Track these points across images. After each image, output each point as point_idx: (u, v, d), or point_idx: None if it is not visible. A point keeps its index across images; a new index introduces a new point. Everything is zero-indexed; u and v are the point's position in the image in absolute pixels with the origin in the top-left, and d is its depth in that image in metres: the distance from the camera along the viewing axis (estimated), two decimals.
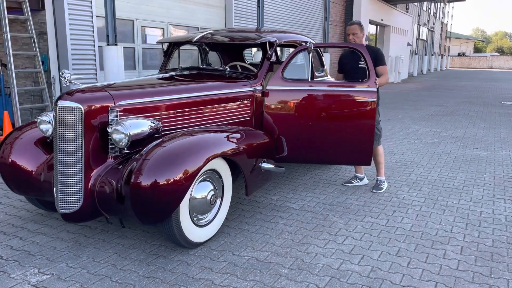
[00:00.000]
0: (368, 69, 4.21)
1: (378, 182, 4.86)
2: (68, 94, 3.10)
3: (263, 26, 10.88)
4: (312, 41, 4.20)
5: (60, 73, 3.18)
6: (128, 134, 3.05)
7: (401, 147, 7.07)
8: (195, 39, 4.48)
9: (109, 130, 3.08)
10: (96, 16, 7.26)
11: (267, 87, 4.29)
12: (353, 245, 3.39)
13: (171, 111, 3.51)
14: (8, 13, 7.02)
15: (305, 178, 5.17)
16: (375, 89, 4.20)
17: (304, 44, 4.81)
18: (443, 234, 3.61)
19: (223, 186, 3.48)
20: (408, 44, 28.57)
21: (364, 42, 4.70)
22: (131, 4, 8.10)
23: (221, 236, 3.50)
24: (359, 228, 3.72)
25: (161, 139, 3.11)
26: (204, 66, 4.79)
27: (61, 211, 3.10)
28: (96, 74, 7.31)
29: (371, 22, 20.32)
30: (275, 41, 4.38)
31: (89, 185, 3.08)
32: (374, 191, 4.78)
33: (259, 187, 3.84)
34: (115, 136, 3.08)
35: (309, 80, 4.27)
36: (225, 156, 3.31)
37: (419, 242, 3.45)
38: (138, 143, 3.20)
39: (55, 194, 3.12)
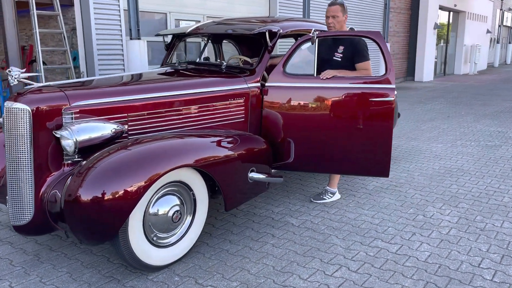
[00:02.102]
0: (386, 61, 3.50)
1: (323, 191, 4.15)
2: (19, 94, 2.79)
3: (309, 16, 10.17)
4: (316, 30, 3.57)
5: (8, 71, 2.88)
6: (74, 140, 2.68)
7: (452, 150, 6.13)
8: (188, 30, 4.03)
9: (55, 135, 2.73)
10: (124, 10, 7.08)
11: (267, 84, 3.74)
12: (344, 279, 2.76)
13: (140, 113, 3.09)
14: (41, 10, 7.07)
15: (322, 187, 4.54)
16: (394, 86, 3.48)
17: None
18: (467, 269, 2.86)
19: (195, 200, 3.01)
20: (488, 31, 26.02)
21: (347, 28, 3.95)
22: None
23: (193, 257, 3.04)
24: (361, 255, 3.08)
25: (110, 147, 2.70)
26: (200, 61, 4.32)
27: (12, 223, 2.81)
28: (124, 69, 7.15)
29: (442, 8, 18.62)
30: (278, 30, 3.80)
31: (40, 195, 2.76)
32: (313, 199, 4.10)
33: (244, 200, 3.32)
34: (63, 142, 2.73)
35: (315, 75, 3.64)
36: (194, 167, 2.84)
37: (431, 280, 2.74)
38: (99, 148, 2.81)
39: (7, 204, 2.85)
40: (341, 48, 3.75)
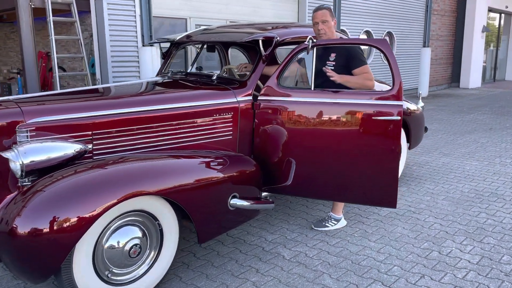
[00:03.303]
0: (393, 74, 3.01)
1: (327, 217, 3.69)
2: None
3: (340, 20, 9.65)
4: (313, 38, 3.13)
5: None
6: (20, 162, 2.40)
7: (488, 169, 5.46)
8: (177, 38, 3.71)
9: (3, 155, 2.47)
10: (140, 16, 6.90)
11: (259, 98, 3.34)
12: None
13: (107, 130, 2.79)
14: (59, 16, 7.02)
15: (328, 211, 4.07)
16: (401, 103, 2.99)
17: None
18: None
19: (161, 231, 2.66)
20: None
21: (337, 35, 3.45)
22: (184, 1, 7.61)
23: None
24: None
25: (58, 171, 2.41)
26: (191, 71, 3.98)
27: None
28: (139, 76, 6.97)
29: (491, 10, 17.41)
30: (275, 38, 3.40)
31: None
32: (314, 226, 3.63)
33: (223, 231, 2.94)
34: (10, 165, 2.46)
35: (312, 88, 3.21)
36: (159, 194, 2.50)
37: None
38: (58, 168, 2.53)
39: None
40: (332, 56, 3.29)
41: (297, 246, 3.36)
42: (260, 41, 3.32)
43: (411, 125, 4.75)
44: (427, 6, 12.55)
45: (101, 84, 7.06)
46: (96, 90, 3.29)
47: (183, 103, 3.04)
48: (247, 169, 3.08)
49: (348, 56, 3.24)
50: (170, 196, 2.53)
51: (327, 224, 3.66)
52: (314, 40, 3.17)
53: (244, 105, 3.31)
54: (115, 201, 2.30)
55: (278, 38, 3.41)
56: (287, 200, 4.32)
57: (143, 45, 6.24)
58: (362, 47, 3.39)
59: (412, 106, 4.96)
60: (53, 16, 6.64)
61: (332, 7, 3.28)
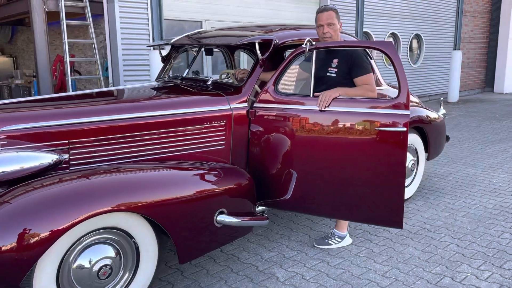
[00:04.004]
0: (399, 80, 2.71)
1: (330, 234, 3.39)
2: None
3: (363, 22, 9.27)
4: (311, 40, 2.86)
5: None
6: None
7: None
8: (172, 41, 3.51)
9: None
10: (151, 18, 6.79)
11: (255, 105, 3.10)
12: None
13: (86, 139, 2.61)
14: (75, 20, 7.00)
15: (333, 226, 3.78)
16: (408, 112, 2.68)
17: None
18: None
19: (137, 250, 2.45)
20: None
21: (341, 38, 3.14)
22: (199, 4, 7.46)
23: None
24: None
25: (19, 185, 2.24)
26: (187, 75, 3.76)
27: None
28: (149, 80, 6.85)
29: None
30: (273, 40, 3.15)
31: None
32: (316, 245, 3.33)
33: (207, 250, 2.71)
34: None
35: (311, 95, 2.94)
36: (132, 211, 2.29)
37: None
38: (30, 179, 2.37)
39: None
40: (335, 62, 3.00)
41: (295, 266, 3.09)
42: (257, 44, 3.08)
43: (429, 134, 4.40)
44: (458, 7, 11.98)
45: (113, 87, 6.99)
46: (77, 96, 3.13)
47: (169, 110, 2.84)
48: (239, 182, 2.84)
49: (351, 63, 2.95)
50: (145, 212, 2.32)
51: (330, 241, 3.37)
52: (313, 43, 2.90)
53: (238, 113, 3.07)
54: (81, 217, 2.11)
55: (277, 41, 3.16)
56: (291, 213, 4.05)
57: (153, 49, 6.11)
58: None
59: (432, 114, 4.60)
60: (69, 19, 6.63)
61: (336, 9, 2.99)
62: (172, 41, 3.53)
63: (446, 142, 5.00)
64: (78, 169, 2.49)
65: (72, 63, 8.72)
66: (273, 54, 3.26)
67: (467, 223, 3.85)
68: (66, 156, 2.56)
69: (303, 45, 2.89)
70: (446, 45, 13.11)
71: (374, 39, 10.59)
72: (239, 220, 2.74)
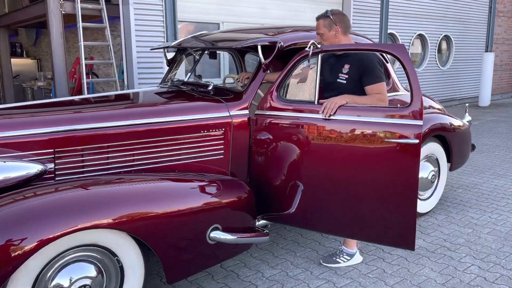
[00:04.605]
0: (411, 86, 2.45)
1: (338, 252, 3.13)
2: None
3: (387, 23, 8.91)
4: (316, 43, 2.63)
5: None
6: None
7: None
8: (171, 44, 3.35)
9: None
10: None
11: (256, 112, 2.90)
12: None
13: (73, 148, 2.47)
14: (92, 22, 6.97)
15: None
16: (421, 123, 2.42)
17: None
18: None
19: (121, 268, 2.29)
20: None
21: (352, 41, 2.88)
22: (216, 5, 7.31)
23: None
24: None
25: None
26: (188, 79, 3.58)
27: None
28: None
29: None
30: (278, 43, 2.94)
31: None
32: (323, 262, 3.08)
33: (199, 269, 2.52)
34: None
35: (316, 102, 2.71)
36: (113, 227, 2.13)
37: None
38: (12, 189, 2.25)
39: None
40: (346, 68, 2.77)
41: (298, 287, 2.87)
42: (259, 47, 2.88)
43: (452, 143, 4.09)
44: (490, 7, 11.43)
45: (127, 89, 6.91)
46: (66, 102, 2.99)
47: (162, 117, 2.67)
48: (236, 194, 2.64)
49: (362, 69, 2.72)
50: (127, 229, 2.16)
51: (338, 259, 3.13)
52: (319, 46, 2.68)
53: (238, 120, 2.88)
54: (55, 235, 1.96)
55: (282, 44, 2.95)
56: None
57: (167, 51, 5.97)
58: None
59: (456, 121, 4.29)
60: (86, 22, 6.60)
61: (329, 15, 2.76)
62: (173, 43, 3.37)
63: (472, 151, 4.66)
64: (58, 181, 2.35)
65: (91, 65, 8.77)
66: (281, 57, 3.05)
67: (491, 241, 3.53)
68: (52, 165, 2.42)
69: (307, 48, 2.67)
70: (477, 46, 12.54)
71: (400, 41, 10.21)
72: (235, 237, 2.54)
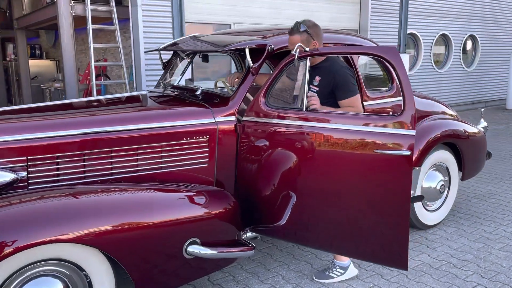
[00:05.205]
0: (403, 93, 2.25)
1: (331, 265, 2.92)
2: None
3: (407, 23, 8.58)
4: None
5: None
6: None
7: None
8: (160, 47, 3.24)
9: None
10: (185, 22, 6.61)
11: (243, 119, 2.75)
12: None
13: (48, 155, 2.38)
14: (103, 24, 6.97)
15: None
16: (413, 133, 2.22)
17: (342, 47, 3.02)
18: None
19: (89, 283, 2.18)
20: None
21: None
22: (227, 6, 7.19)
23: None
24: None
25: None
26: (178, 83, 3.45)
27: None
28: None
29: None
30: (268, 46, 2.78)
31: None
32: (316, 278, 2.88)
33: (175, 285, 2.38)
34: None
35: (304, 109, 2.54)
36: (76, 242, 2.03)
37: None
38: None
39: None
40: (317, 80, 2.63)
41: None
42: (247, 50, 2.72)
43: (464, 150, 3.84)
44: None
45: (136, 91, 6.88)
46: (41, 108, 2.89)
47: (141, 124, 2.55)
48: (220, 206, 2.50)
49: (335, 84, 2.61)
50: (93, 243, 2.05)
51: (331, 273, 2.94)
52: (307, 49, 2.51)
53: (224, 127, 2.73)
54: (11, 249, 1.87)
55: (272, 46, 2.78)
56: None
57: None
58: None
59: (470, 128, 4.03)
60: (97, 24, 6.60)
61: (299, 28, 2.59)
62: (161, 46, 3.26)
63: (487, 159, 4.37)
64: (23, 191, 2.26)
65: (104, 68, 8.80)
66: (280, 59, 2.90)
67: (503, 258, 3.27)
68: (24, 174, 2.33)
69: (293, 51, 2.50)
70: (505, 46, 12.01)
71: (422, 41, 9.86)
72: (215, 252, 2.40)
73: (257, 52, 2.84)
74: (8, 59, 11.36)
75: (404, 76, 2.22)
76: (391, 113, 2.89)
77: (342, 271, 2.94)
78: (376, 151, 2.27)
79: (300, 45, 2.50)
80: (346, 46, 2.93)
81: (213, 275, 3.01)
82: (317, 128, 2.47)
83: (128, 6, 6.73)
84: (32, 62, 10.36)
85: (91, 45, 6.51)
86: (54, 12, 6.75)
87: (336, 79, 2.63)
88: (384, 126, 2.26)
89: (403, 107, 2.24)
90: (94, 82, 6.49)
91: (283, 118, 2.61)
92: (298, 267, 3.16)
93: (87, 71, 8.62)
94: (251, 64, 2.74)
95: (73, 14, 6.56)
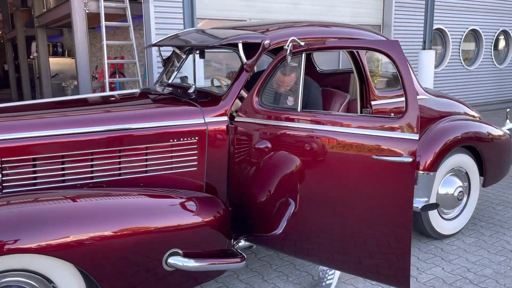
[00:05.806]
0: (406, 92, 2.00)
1: (321, 274, 2.71)
2: None
3: (432, 17, 8.15)
4: (297, 40, 2.22)
5: None
6: None
7: None
8: (154, 42, 3.08)
9: None
10: (197, 18, 6.45)
11: (236, 119, 2.55)
12: None
13: (24, 157, 2.25)
14: (114, 22, 6.90)
15: None
16: (416, 137, 1.96)
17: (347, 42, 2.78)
18: None
19: None
20: None
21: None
22: (243, 1, 6.98)
23: None
24: None
25: None
26: (173, 81, 3.27)
27: None
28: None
29: None
30: (262, 41, 2.56)
31: None
32: None
33: None
34: None
35: (299, 109, 2.32)
36: (40, 253, 1.88)
37: None
38: None
39: None
40: (291, 100, 2.48)
41: None
42: (240, 46, 2.52)
43: (486, 155, 3.53)
44: None
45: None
46: (26, 107, 2.76)
47: (124, 124, 2.38)
48: (207, 213, 2.31)
49: (306, 100, 2.53)
50: (60, 255, 1.89)
51: (327, 280, 2.71)
52: (302, 43, 2.28)
53: (215, 128, 2.54)
54: None
55: (268, 41, 2.56)
56: None
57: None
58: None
59: (495, 130, 3.70)
60: (111, 21, 6.53)
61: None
62: (154, 42, 3.10)
63: None
64: None
65: (121, 65, 8.76)
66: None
67: None
68: None
69: (285, 46, 2.28)
70: None
71: (450, 37, 9.39)
72: (199, 264, 2.22)
73: (258, 47, 2.63)
74: (31, 57, 11.53)
75: (406, 73, 1.97)
76: (392, 114, 2.64)
77: (333, 271, 2.72)
78: (374, 156, 2.03)
79: (293, 39, 2.27)
80: (346, 40, 2.69)
81: (206, 284, 2.83)
82: (313, 130, 2.24)
83: (141, 3, 6.64)
84: (53, 60, 10.45)
85: (104, 42, 6.45)
86: (68, 10, 6.72)
87: (308, 98, 2.63)
88: (383, 129, 2.02)
89: (405, 107, 1.99)
90: (107, 79, 6.43)
91: (277, 119, 2.39)
92: (297, 278, 2.94)
93: (103, 69, 8.62)
94: (244, 60, 2.53)
95: (87, 11, 6.51)
